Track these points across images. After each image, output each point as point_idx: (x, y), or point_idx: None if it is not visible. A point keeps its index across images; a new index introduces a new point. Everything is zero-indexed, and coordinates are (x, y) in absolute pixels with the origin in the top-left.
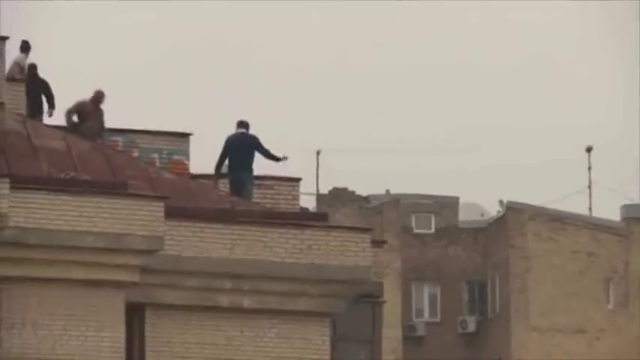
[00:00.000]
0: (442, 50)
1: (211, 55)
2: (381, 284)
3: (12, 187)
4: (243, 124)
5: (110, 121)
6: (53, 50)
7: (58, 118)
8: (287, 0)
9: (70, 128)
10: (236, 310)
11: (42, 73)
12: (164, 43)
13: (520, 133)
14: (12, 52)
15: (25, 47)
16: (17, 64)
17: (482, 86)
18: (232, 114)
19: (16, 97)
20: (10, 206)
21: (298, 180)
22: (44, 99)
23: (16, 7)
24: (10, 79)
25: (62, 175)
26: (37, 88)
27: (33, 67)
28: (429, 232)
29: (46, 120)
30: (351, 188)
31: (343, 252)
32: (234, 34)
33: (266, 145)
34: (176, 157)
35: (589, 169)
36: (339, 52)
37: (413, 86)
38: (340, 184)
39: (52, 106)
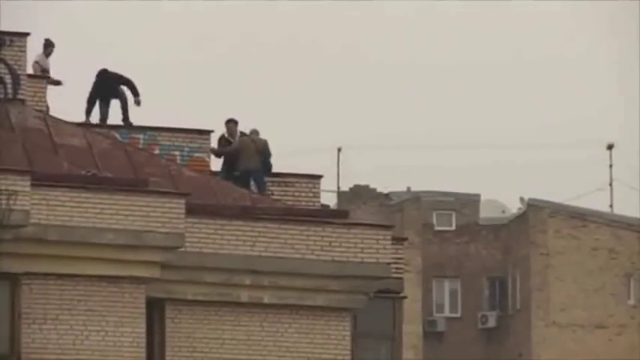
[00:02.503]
0: (458, 49)
1: (230, 52)
2: (401, 280)
3: (33, 184)
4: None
5: (132, 119)
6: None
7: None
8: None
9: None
10: (256, 306)
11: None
12: (184, 40)
13: (541, 130)
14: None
15: (47, 45)
16: (37, 63)
17: (503, 84)
18: (252, 111)
19: (38, 94)
20: (31, 203)
21: (319, 177)
22: (121, 98)
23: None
24: (32, 75)
25: (83, 173)
26: (109, 91)
27: (104, 72)
28: (449, 229)
29: (135, 108)
30: (372, 185)
31: (364, 249)
32: (249, 30)
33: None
34: (197, 154)
35: (610, 166)
36: (358, 49)
37: (433, 83)
38: (361, 182)
39: (136, 93)
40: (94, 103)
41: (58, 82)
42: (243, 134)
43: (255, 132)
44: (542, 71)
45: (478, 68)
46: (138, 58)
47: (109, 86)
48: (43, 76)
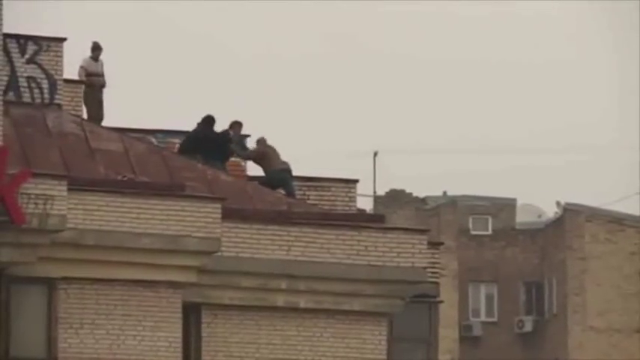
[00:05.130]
0: (491, 51)
1: (264, 55)
2: (437, 285)
3: (70, 189)
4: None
5: (168, 124)
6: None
7: None
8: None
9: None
10: (292, 310)
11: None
12: (220, 43)
13: (577, 133)
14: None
15: (95, 48)
16: (82, 68)
17: (535, 85)
18: (289, 116)
19: (75, 99)
20: (68, 208)
21: (355, 182)
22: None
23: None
24: (68, 80)
25: (120, 177)
26: (216, 138)
27: (210, 120)
28: (486, 233)
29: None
30: (408, 190)
31: (400, 253)
32: (283, 34)
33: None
34: (232, 158)
35: None
36: (395, 53)
37: (468, 86)
38: (397, 186)
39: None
40: (191, 150)
41: (102, 86)
42: (261, 141)
43: (264, 140)
44: (573, 73)
45: (515, 68)
46: (161, 64)
47: (213, 145)
48: (80, 80)
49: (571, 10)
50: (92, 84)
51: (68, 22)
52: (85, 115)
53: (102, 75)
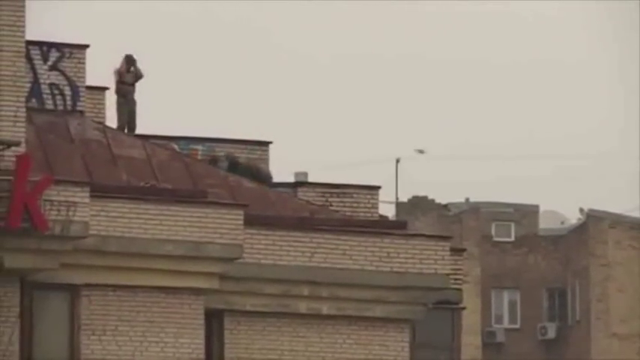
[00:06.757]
0: (511, 58)
1: (285, 65)
2: (460, 291)
3: (92, 196)
4: None
5: (191, 130)
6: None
7: None
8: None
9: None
10: (315, 317)
11: None
12: (241, 50)
13: (601, 139)
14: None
15: (128, 62)
16: (117, 72)
17: (561, 93)
18: (311, 123)
19: (97, 106)
20: (90, 215)
21: (377, 188)
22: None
23: None
24: (91, 87)
25: (142, 184)
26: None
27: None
28: (509, 240)
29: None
30: (430, 196)
31: (422, 260)
32: (298, 42)
33: None
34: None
35: None
36: (415, 60)
37: (491, 91)
38: (420, 192)
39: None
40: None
41: (133, 95)
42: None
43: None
44: (588, 77)
45: (533, 71)
46: (194, 67)
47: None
48: (103, 87)
49: (571, 10)
50: (124, 94)
51: (91, 25)
52: (108, 123)
53: (133, 85)
